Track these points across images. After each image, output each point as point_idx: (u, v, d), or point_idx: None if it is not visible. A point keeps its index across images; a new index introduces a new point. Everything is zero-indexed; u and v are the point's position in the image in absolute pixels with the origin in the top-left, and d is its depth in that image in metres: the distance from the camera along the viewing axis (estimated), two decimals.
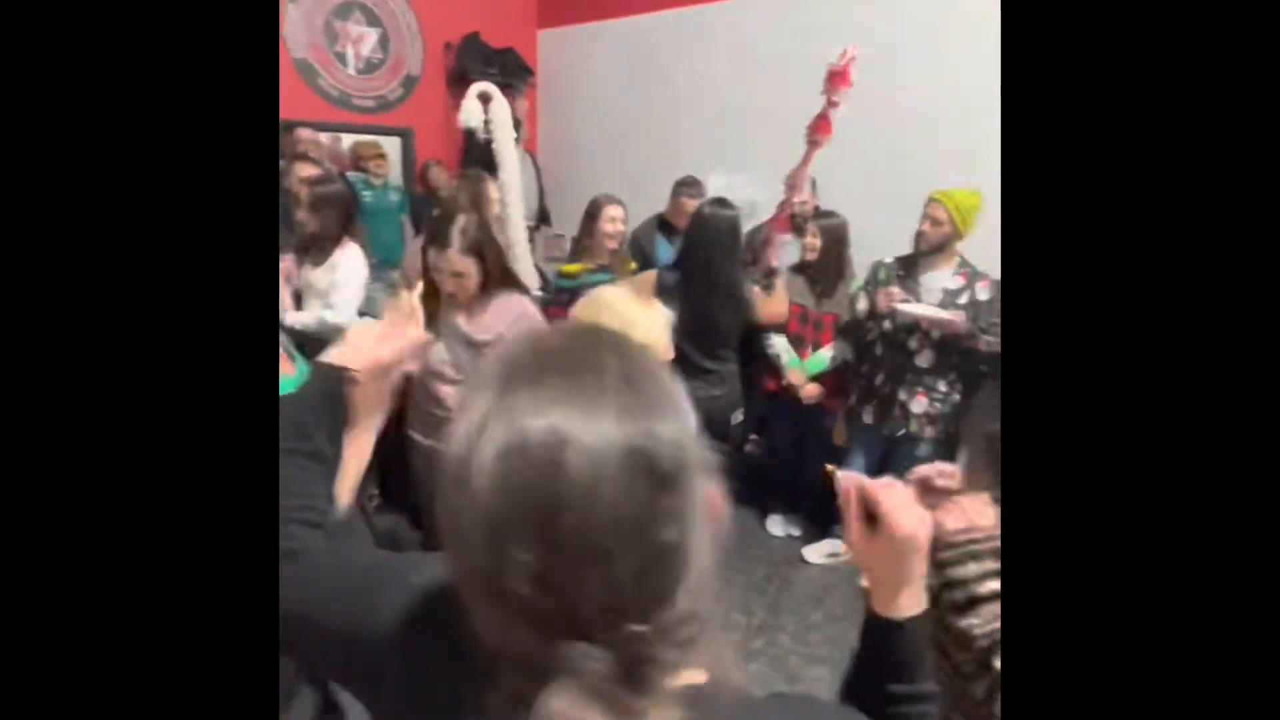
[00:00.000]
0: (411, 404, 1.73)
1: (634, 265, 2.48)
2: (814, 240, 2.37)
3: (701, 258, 2.03)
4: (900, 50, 3.08)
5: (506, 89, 4.38)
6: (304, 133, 3.30)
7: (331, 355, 0.68)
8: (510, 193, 2.10)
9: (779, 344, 2.41)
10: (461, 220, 1.56)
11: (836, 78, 2.12)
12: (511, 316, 1.63)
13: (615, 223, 2.35)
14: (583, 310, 1.34)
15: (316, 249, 2.19)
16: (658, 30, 3.81)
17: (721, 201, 2.09)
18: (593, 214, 2.36)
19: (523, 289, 1.75)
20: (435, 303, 1.59)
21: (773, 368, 2.46)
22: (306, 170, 2.56)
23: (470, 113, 2.00)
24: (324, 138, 3.38)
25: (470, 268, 1.56)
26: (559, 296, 2.26)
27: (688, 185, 2.69)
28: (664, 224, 2.75)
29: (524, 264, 2.16)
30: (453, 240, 1.53)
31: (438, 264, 1.56)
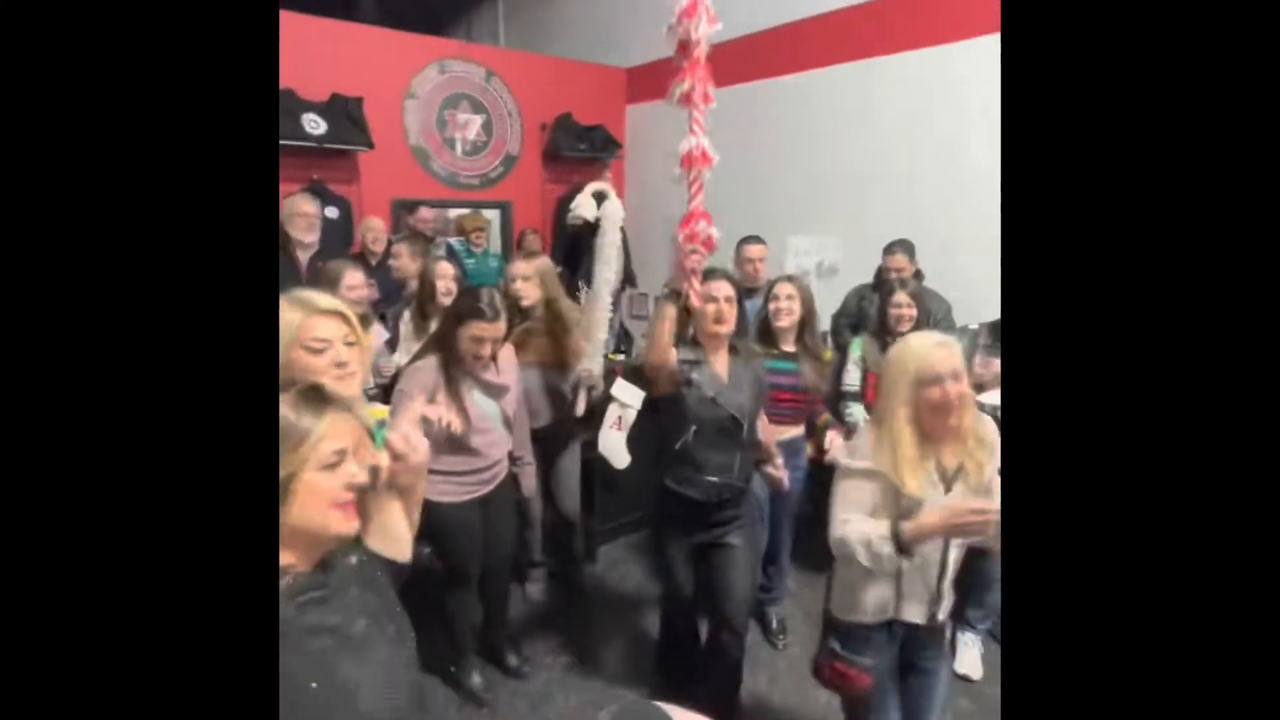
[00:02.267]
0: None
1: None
2: (909, 310, 2.26)
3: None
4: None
5: (595, 161, 4.72)
6: (424, 212, 3.69)
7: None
8: (602, 287, 2.20)
9: (857, 412, 2.35)
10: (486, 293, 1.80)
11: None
12: (512, 364, 1.98)
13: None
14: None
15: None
16: (737, 100, 3.99)
17: None
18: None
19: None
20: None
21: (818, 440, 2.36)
22: (402, 249, 2.84)
23: (585, 207, 2.16)
24: (429, 213, 3.76)
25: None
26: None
27: (748, 240, 2.74)
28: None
29: (598, 348, 2.20)
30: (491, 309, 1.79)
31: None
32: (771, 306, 2.16)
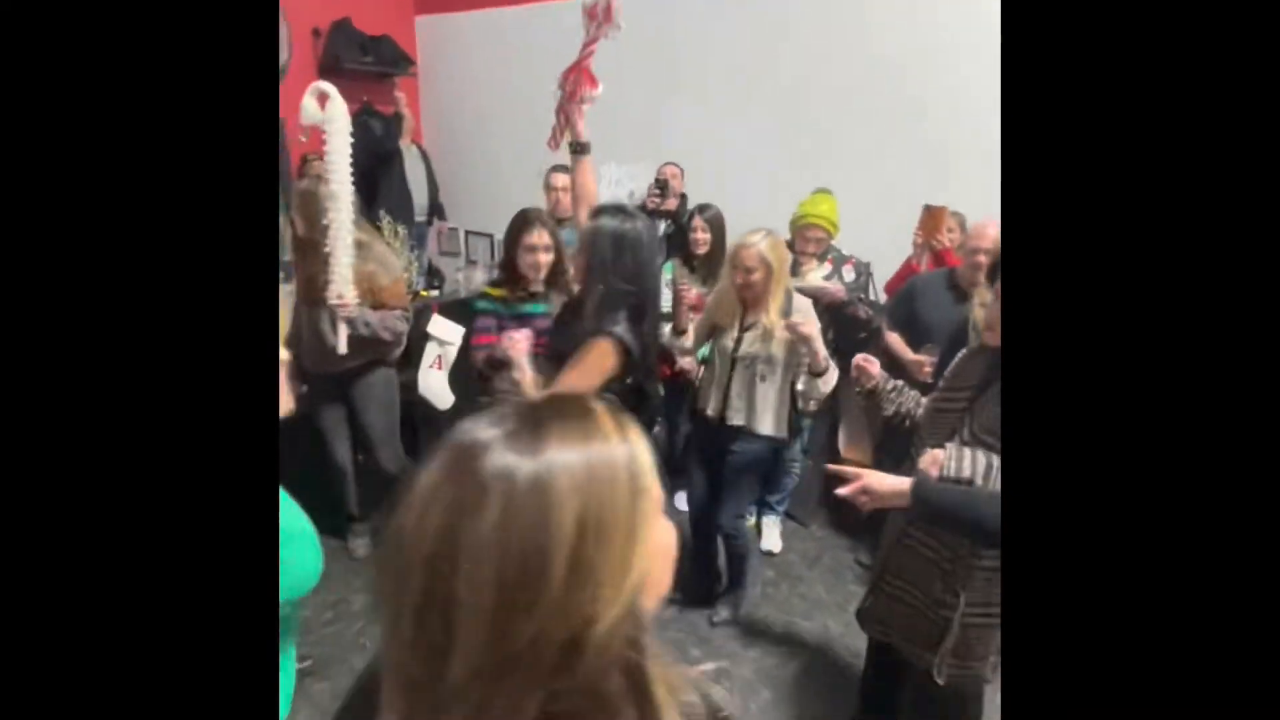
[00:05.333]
0: None
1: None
2: (704, 235, 2.47)
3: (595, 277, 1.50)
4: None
5: (385, 78, 4.22)
6: None
7: None
8: (335, 203, 1.94)
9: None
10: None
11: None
12: None
13: (536, 252, 1.89)
14: None
15: None
16: (542, 17, 3.79)
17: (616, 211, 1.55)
18: (512, 235, 1.91)
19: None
20: None
21: (666, 354, 2.56)
22: None
23: (306, 112, 1.85)
24: None
25: None
26: (482, 322, 1.98)
27: (557, 169, 2.68)
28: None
29: (341, 274, 1.98)
30: None
31: None
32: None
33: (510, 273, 1.96)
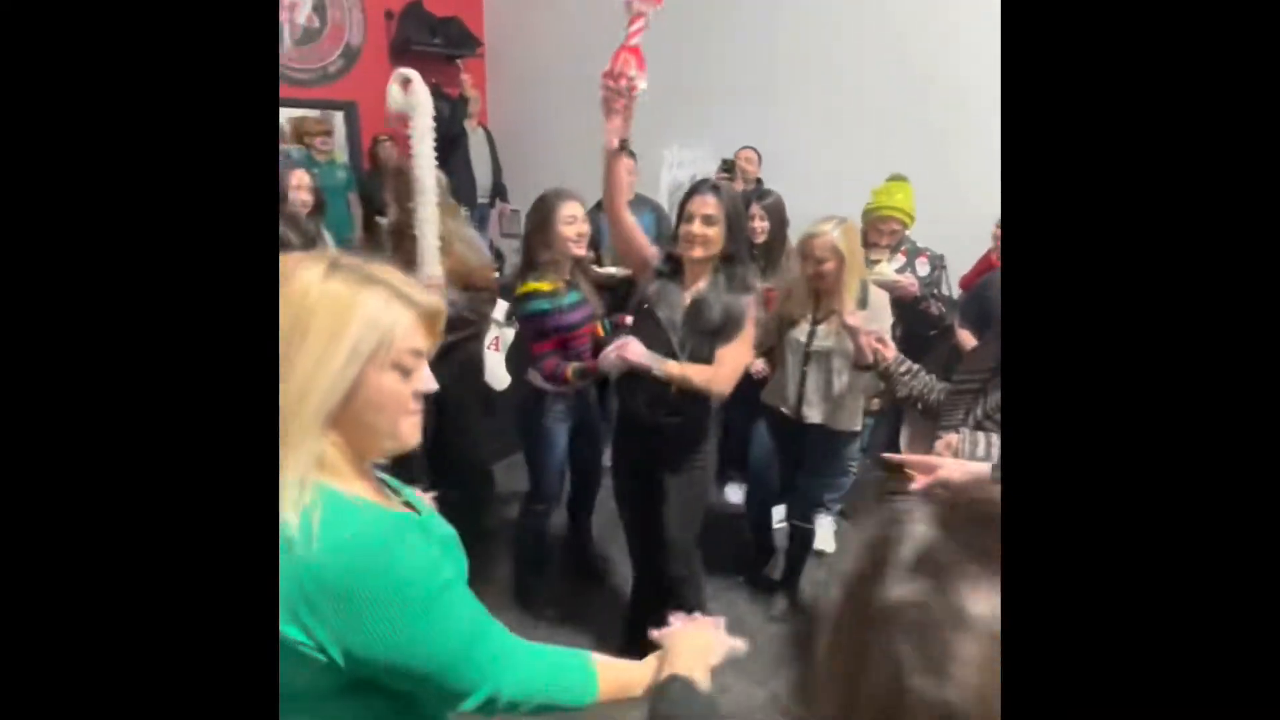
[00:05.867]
0: None
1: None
2: (762, 223, 2.40)
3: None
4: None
5: (452, 59, 4.27)
6: None
7: None
8: (421, 186, 1.95)
9: None
10: None
11: None
12: None
13: (576, 223, 1.88)
14: None
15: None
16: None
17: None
18: (544, 215, 1.87)
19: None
20: None
21: None
22: None
23: (393, 98, 1.88)
24: None
25: None
26: (526, 323, 1.96)
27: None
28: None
29: (430, 255, 1.96)
30: None
31: None
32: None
33: (545, 258, 1.87)
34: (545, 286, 1.88)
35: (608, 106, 1.44)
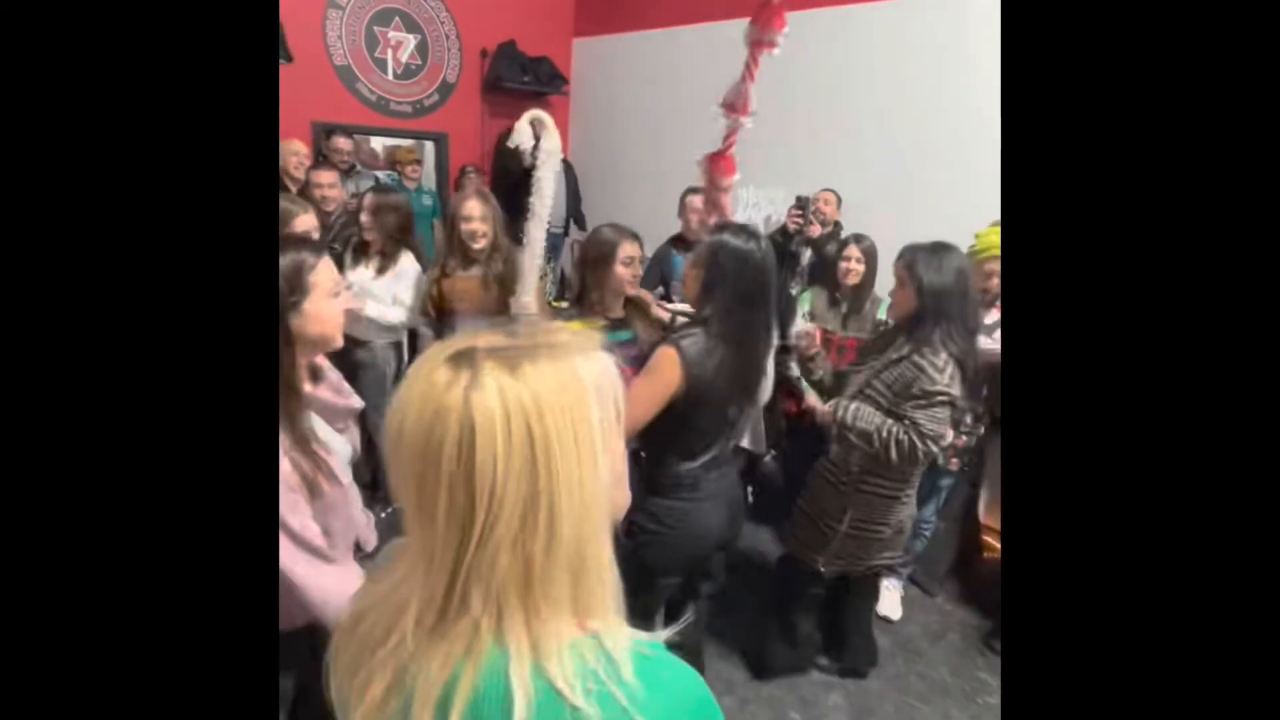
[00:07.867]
0: None
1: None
2: (858, 266, 2.29)
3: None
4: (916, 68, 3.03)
5: (539, 96, 4.45)
6: (339, 141, 3.35)
7: None
8: (537, 220, 2.03)
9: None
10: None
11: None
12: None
13: (634, 264, 1.79)
14: None
15: (377, 255, 2.31)
16: (691, 41, 3.81)
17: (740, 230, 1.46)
18: (604, 253, 1.76)
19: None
20: None
21: (793, 391, 2.42)
22: (324, 176, 2.65)
23: (522, 134, 1.97)
24: (345, 143, 3.40)
25: None
26: None
27: (692, 191, 2.51)
28: (677, 239, 2.60)
29: (530, 285, 2.03)
30: None
31: None
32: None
33: (594, 296, 1.81)
34: (596, 326, 1.83)
35: (708, 201, 1.85)
